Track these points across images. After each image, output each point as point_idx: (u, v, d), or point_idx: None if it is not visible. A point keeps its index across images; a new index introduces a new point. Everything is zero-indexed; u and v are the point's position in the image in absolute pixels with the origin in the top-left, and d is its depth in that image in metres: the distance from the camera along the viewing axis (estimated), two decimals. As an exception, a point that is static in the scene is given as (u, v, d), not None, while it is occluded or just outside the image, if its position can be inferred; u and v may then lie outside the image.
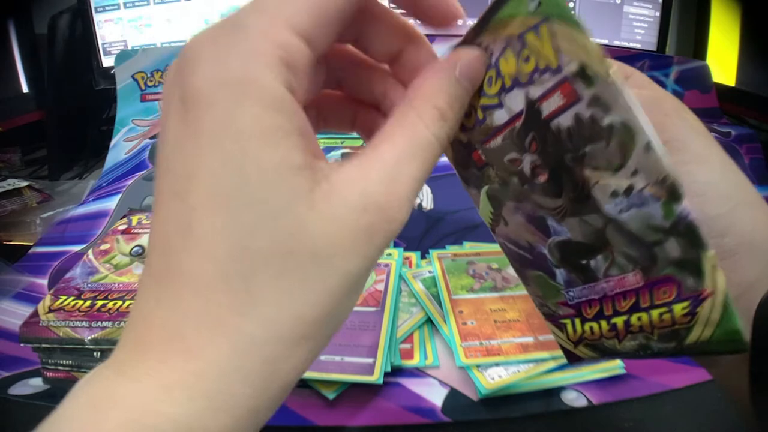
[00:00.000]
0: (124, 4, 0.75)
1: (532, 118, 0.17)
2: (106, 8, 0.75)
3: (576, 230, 0.18)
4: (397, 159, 0.16)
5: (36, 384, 0.36)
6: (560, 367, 0.35)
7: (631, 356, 0.18)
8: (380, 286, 0.43)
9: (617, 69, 0.15)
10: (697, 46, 0.84)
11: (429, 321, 0.41)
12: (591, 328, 0.19)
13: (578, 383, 0.35)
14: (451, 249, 0.49)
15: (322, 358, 0.35)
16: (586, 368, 0.36)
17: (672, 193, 0.15)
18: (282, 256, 0.14)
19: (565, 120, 0.16)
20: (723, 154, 0.20)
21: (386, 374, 0.34)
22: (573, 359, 0.20)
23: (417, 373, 0.36)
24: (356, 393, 0.34)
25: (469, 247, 0.50)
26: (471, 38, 0.18)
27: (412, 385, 0.35)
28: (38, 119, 0.78)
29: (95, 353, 0.36)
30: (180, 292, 0.14)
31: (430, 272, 0.45)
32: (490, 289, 0.43)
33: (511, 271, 0.45)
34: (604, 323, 0.18)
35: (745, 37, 0.76)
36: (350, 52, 0.19)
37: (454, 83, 0.17)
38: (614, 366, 0.36)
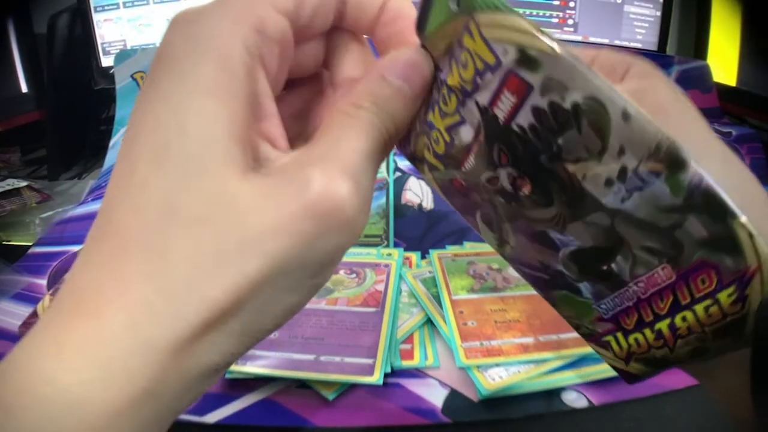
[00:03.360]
0: (124, 3, 0.75)
1: (490, 127, 0.15)
2: (106, 8, 0.75)
3: (583, 235, 0.15)
4: (343, 152, 0.15)
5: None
6: (561, 368, 0.35)
7: (688, 362, 0.15)
8: (380, 287, 0.43)
9: (558, 41, 0.13)
10: (698, 45, 0.84)
11: (429, 321, 0.40)
12: (636, 339, 0.16)
13: (579, 384, 0.35)
14: (451, 249, 0.49)
15: (322, 358, 0.35)
16: (587, 369, 0.35)
17: (672, 161, 0.13)
18: (202, 222, 0.13)
19: (524, 118, 0.14)
20: (724, 148, 0.18)
21: (386, 375, 0.34)
22: (630, 379, 0.17)
23: (417, 373, 0.36)
24: (356, 394, 0.34)
25: (469, 247, 0.50)
26: None
27: (413, 385, 0.35)
28: (37, 119, 0.78)
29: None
30: (105, 248, 0.14)
31: (430, 272, 0.45)
32: (491, 289, 0.43)
33: (511, 272, 0.45)
34: (648, 332, 0.15)
35: (746, 36, 0.76)
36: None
37: (380, 82, 0.16)
38: (615, 366, 0.35)
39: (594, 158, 0.14)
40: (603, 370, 0.35)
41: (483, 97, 0.15)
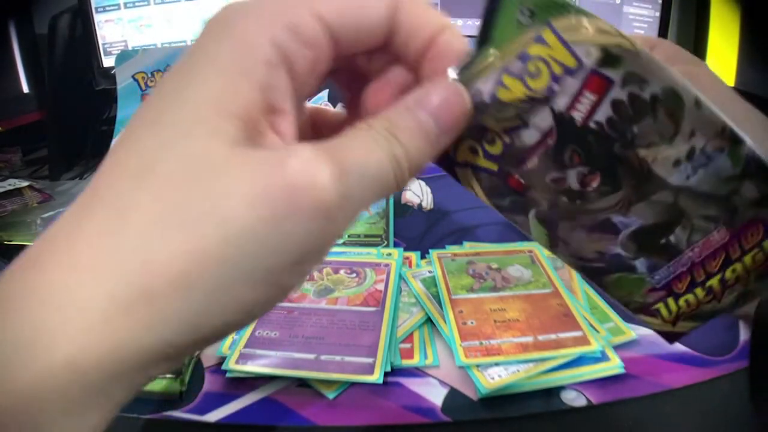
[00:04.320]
0: (125, 4, 0.76)
1: (565, 131, 0.16)
2: (107, 8, 0.75)
3: (646, 214, 0.17)
4: (350, 161, 0.14)
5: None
6: (560, 367, 0.35)
7: (731, 310, 0.18)
8: (380, 286, 0.43)
9: (638, 39, 0.15)
10: (697, 46, 0.84)
11: (429, 321, 0.41)
12: (687, 301, 0.18)
13: (578, 383, 0.35)
14: (451, 249, 0.49)
15: (323, 357, 0.35)
16: (586, 368, 0.36)
17: (734, 139, 0.15)
18: (172, 183, 0.13)
19: (603, 113, 0.16)
20: (762, 117, 0.20)
21: (386, 374, 0.34)
22: (673, 338, 0.20)
23: (417, 372, 0.36)
24: (356, 393, 0.34)
25: (469, 247, 0.50)
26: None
27: (412, 384, 0.35)
28: (39, 119, 0.78)
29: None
30: (78, 203, 0.14)
31: (430, 272, 0.46)
32: (490, 288, 0.43)
33: (511, 271, 0.45)
34: (699, 291, 0.18)
35: (745, 37, 0.76)
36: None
37: (403, 113, 0.16)
38: (614, 366, 0.36)
39: (665, 142, 0.16)
40: (602, 369, 0.35)
41: (560, 103, 0.16)
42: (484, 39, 0.16)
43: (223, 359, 0.36)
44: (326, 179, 0.13)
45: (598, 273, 0.19)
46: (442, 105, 0.16)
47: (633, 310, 0.20)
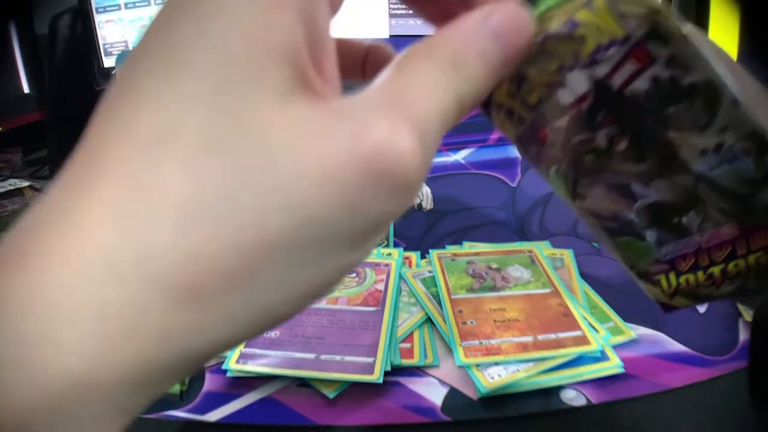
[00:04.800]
0: (125, 4, 0.76)
1: (601, 95, 0.17)
2: (107, 9, 0.76)
3: (665, 191, 0.17)
4: (415, 97, 0.12)
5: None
6: (559, 367, 0.35)
7: (727, 298, 0.19)
8: (380, 286, 0.43)
9: (691, 26, 0.14)
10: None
11: (429, 320, 0.41)
12: (687, 280, 0.19)
13: (577, 382, 0.35)
14: (451, 249, 0.49)
15: (323, 357, 0.35)
16: (586, 367, 0.36)
17: (763, 146, 0.15)
18: (208, 153, 0.10)
19: (642, 83, 0.16)
20: None
21: (386, 373, 0.34)
22: (668, 309, 0.20)
23: (417, 372, 0.37)
24: (356, 392, 0.35)
25: (468, 246, 0.50)
26: None
27: (412, 384, 0.36)
28: (39, 119, 0.78)
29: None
30: (74, 179, 0.11)
31: (429, 272, 0.46)
32: (490, 288, 0.43)
33: (510, 271, 0.45)
34: (700, 274, 0.18)
35: (745, 37, 0.76)
36: None
37: (481, 39, 0.14)
38: (613, 365, 0.36)
39: (696, 130, 0.16)
40: (601, 369, 0.36)
41: (599, 71, 0.16)
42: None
43: (223, 359, 0.36)
44: (410, 155, 0.11)
45: (610, 232, 0.20)
46: (510, 29, 0.14)
47: (636, 274, 0.20)
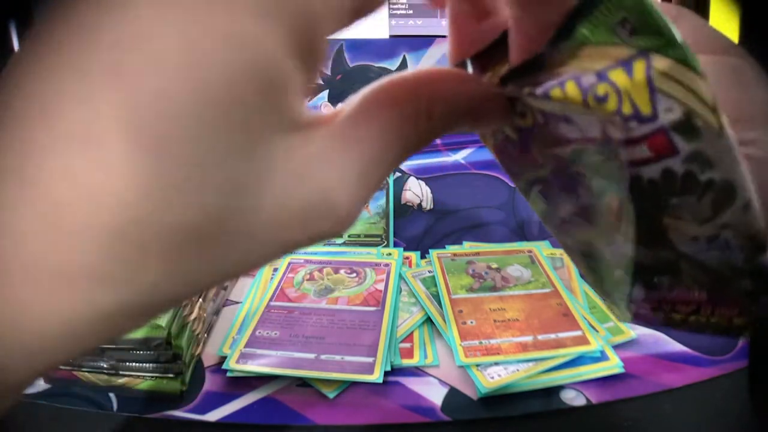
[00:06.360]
0: (125, 4, 0.76)
1: (605, 163, 0.15)
2: (107, 9, 0.76)
3: (646, 257, 0.17)
4: (370, 161, 0.13)
5: (37, 383, 0.37)
6: (559, 367, 0.35)
7: (682, 331, 0.19)
8: (380, 286, 0.43)
9: (727, 118, 0.12)
10: (697, 46, 0.84)
11: (429, 320, 0.41)
12: (647, 311, 0.19)
13: (577, 382, 0.35)
14: (451, 249, 0.49)
15: (323, 357, 0.35)
16: (586, 367, 0.36)
17: (759, 246, 0.15)
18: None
19: (651, 172, 0.14)
20: None
21: (386, 373, 0.35)
22: (634, 319, 0.20)
23: (417, 372, 0.37)
24: (356, 392, 0.35)
25: (468, 247, 0.50)
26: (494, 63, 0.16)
27: (412, 384, 0.36)
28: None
29: (96, 350, 0.36)
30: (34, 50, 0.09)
31: (429, 272, 0.46)
32: (490, 288, 0.43)
33: (510, 271, 0.45)
34: (659, 313, 0.19)
35: (744, 37, 0.76)
36: None
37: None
38: (613, 365, 0.36)
39: (695, 222, 0.14)
40: (601, 368, 0.36)
41: (613, 131, 0.14)
42: (568, 30, 0.13)
43: (223, 359, 0.36)
44: (353, 215, 0.12)
45: (585, 256, 0.20)
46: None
47: (601, 294, 0.21)
